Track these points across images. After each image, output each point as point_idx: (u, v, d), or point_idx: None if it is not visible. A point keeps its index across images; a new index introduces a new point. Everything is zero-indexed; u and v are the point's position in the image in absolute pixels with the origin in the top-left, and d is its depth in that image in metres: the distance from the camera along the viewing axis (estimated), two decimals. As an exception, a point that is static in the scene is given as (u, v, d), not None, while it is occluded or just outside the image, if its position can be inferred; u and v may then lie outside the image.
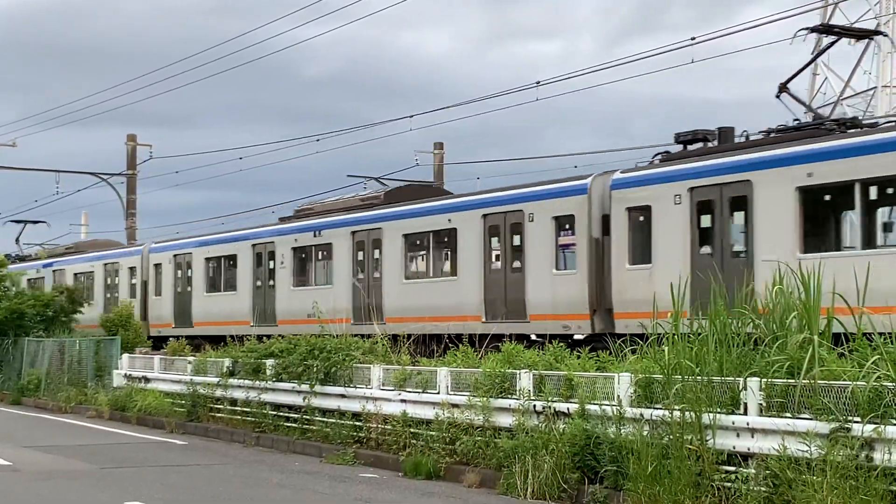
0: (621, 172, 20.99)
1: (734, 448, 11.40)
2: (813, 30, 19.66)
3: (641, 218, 20.32)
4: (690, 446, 11.52)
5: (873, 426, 10.04)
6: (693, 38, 24.47)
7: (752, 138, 19.80)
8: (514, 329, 20.97)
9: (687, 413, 11.67)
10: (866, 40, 20.51)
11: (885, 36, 20.98)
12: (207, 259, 34.09)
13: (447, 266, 25.53)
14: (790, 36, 19.42)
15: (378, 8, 30.78)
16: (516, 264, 22.97)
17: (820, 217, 18.48)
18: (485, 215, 23.69)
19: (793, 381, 11.00)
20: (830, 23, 19.42)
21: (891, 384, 10.12)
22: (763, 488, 10.84)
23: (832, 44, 20.23)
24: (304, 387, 18.65)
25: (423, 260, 26.42)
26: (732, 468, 11.34)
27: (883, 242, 17.74)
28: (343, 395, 17.89)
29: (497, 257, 23.54)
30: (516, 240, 23.00)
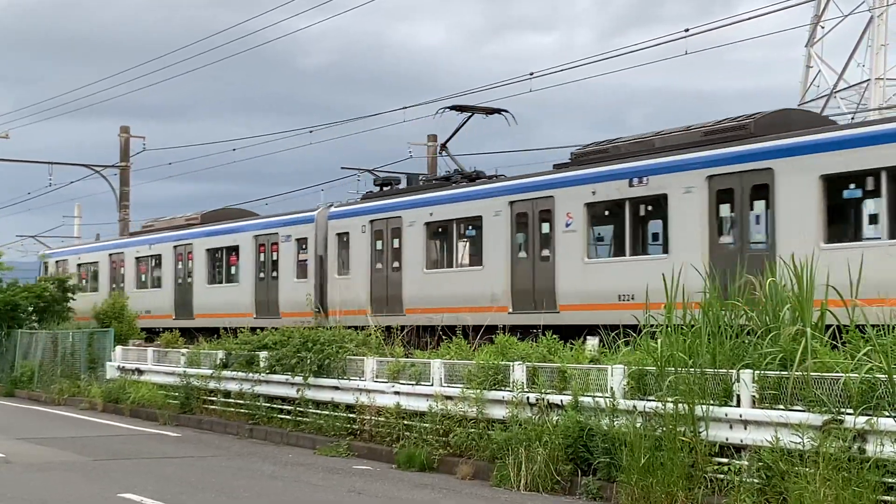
0: (335, 207, 28.04)
1: (727, 440, 11.41)
2: (451, 108, 26.24)
3: (345, 240, 27.05)
4: (683, 438, 11.54)
5: (866, 418, 10.06)
6: (687, 30, 24.43)
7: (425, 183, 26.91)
8: (272, 323, 26.10)
9: (680, 405, 11.68)
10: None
11: (509, 113, 26.62)
12: (79, 265, 40.68)
13: (233, 275, 31.75)
14: (785, 28, 20.00)
15: (371, -2, 30.67)
16: (274, 274, 29.70)
17: (439, 242, 25.18)
18: (255, 235, 30.50)
19: (785, 372, 11.01)
20: (462, 104, 26.63)
21: (883, 376, 10.13)
22: (756, 480, 10.85)
23: (468, 119, 26.18)
24: (298, 379, 18.65)
25: (219, 270, 32.72)
26: (725, 460, 11.36)
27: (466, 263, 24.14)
28: (337, 387, 17.89)
29: (263, 268, 30.24)
30: (275, 255, 29.67)
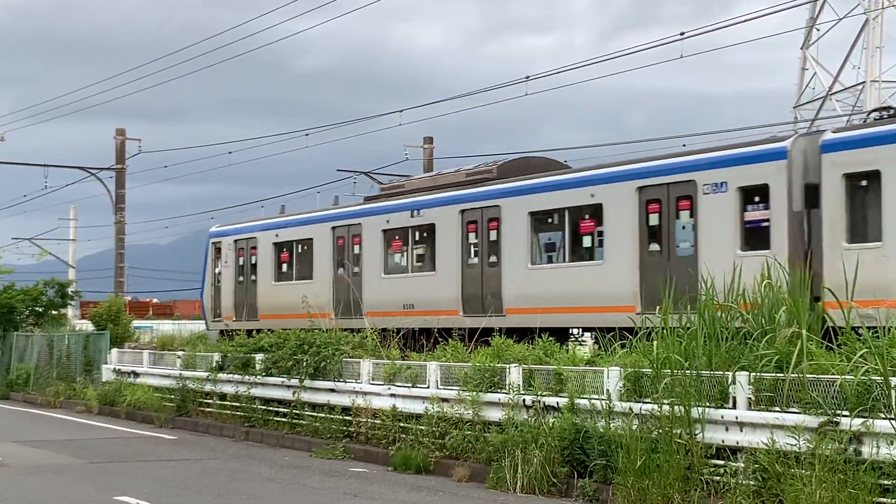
0: (833, 132, 17.45)
1: (723, 442, 11.42)
2: None
3: (868, 185, 16.37)
4: (679, 440, 11.54)
5: (861, 420, 10.07)
6: (682, 34, 24.44)
7: None
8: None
9: (676, 407, 11.69)
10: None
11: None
12: (277, 244, 29.35)
13: (587, 249, 20.87)
14: (782, 31, 19.18)
15: (373, 0, 30.21)
16: (686, 243, 18.64)
17: None
18: (640, 188, 19.30)
19: (781, 374, 11.02)
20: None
21: (879, 378, 10.14)
22: (752, 482, 10.86)
23: None
24: (294, 381, 18.63)
25: (549, 242, 21.78)
26: (721, 462, 11.37)
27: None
28: (333, 390, 17.88)
29: (656, 236, 19.21)
30: (685, 215, 18.71)
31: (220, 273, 31.50)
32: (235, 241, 30.96)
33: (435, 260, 23.92)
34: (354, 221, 26.50)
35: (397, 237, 25.28)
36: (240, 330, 27.44)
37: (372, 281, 25.38)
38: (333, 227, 27.05)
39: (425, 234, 24.65)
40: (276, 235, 29.26)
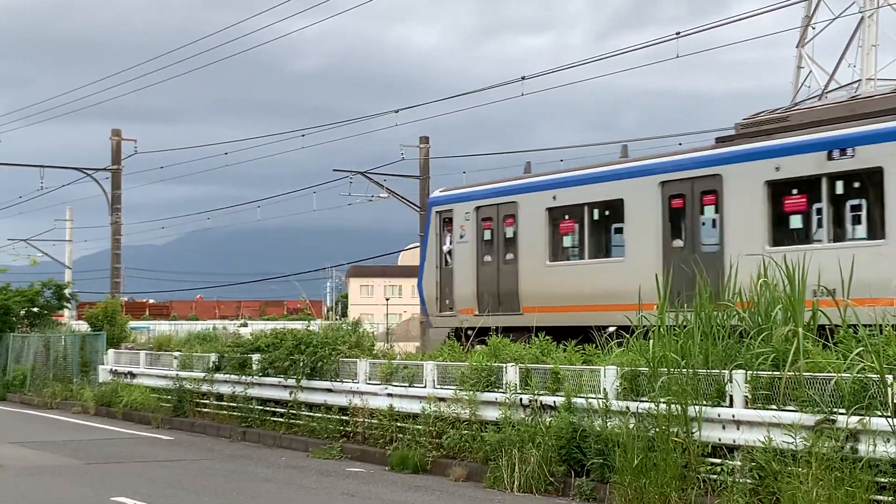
0: None
1: (720, 440, 11.43)
2: None
3: None
4: (676, 439, 11.55)
5: (858, 418, 10.08)
6: (678, 33, 24.36)
7: None
8: None
9: (673, 405, 11.70)
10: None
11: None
12: (552, 210, 21.84)
13: None
14: (779, 30, 18.76)
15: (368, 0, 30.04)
16: None
17: None
18: None
19: (778, 373, 11.03)
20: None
21: (875, 375, 10.15)
22: (749, 480, 10.87)
23: None
24: (291, 381, 18.64)
25: None
26: (718, 460, 11.38)
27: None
28: (329, 390, 17.89)
29: None
30: None
31: (451, 251, 24.32)
32: (478, 208, 23.41)
33: (884, 223, 16.15)
34: (705, 172, 18.70)
35: (796, 191, 17.41)
36: (487, 328, 20.52)
37: (744, 256, 16.49)
38: (663, 182, 19.38)
39: (857, 185, 16.82)
40: (553, 198, 21.70)
